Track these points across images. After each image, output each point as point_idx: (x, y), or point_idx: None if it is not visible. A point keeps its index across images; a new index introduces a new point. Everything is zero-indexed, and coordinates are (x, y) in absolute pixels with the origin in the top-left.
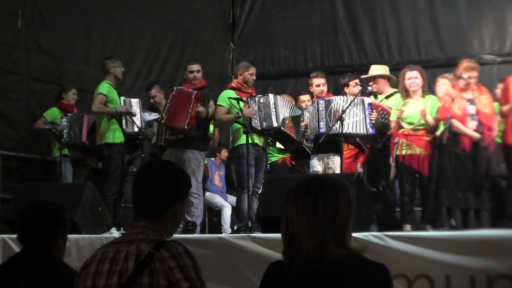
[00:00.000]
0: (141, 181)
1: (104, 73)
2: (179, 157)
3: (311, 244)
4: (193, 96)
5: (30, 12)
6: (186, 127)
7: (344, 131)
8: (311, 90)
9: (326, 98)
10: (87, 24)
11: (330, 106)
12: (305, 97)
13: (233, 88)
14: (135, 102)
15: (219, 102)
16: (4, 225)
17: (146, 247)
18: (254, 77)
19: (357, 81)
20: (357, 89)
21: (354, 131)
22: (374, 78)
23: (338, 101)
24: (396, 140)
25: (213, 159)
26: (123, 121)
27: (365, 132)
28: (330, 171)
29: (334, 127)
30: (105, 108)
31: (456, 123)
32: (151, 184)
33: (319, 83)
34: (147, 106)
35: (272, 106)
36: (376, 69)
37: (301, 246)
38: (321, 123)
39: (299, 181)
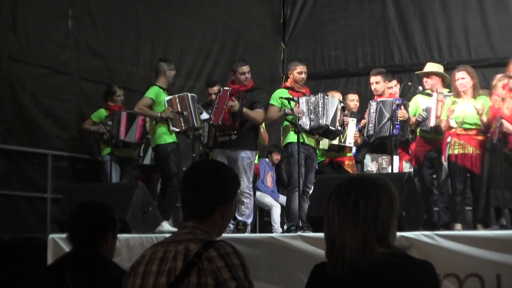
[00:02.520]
0: (189, 181)
1: (156, 74)
2: (230, 156)
3: (354, 245)
4: (228, 93)
5: (80, 13)
6: (220, 122)
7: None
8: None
9: (378, 100)
10: (137, 25)
11: (379, 109)
12: (353, 96)
13: (286, 88)
14: (182, 97)
15: (271, 101)
16: (54, 225)
17: (194, 247)
18: (303, 76)
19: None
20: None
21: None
22: (429, 75)
23: (387, 103)
24: (448, 140)
25: (267, 159)
26: (170, 123)
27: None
28: (384, 171)
29: (383, 129)
30: (147, 110)
31: (505, 123)
32: (199, 185)
33: (372, 81)
34: (202, 103)
35: (320, 105)
36: (432, 67)
37: (344, 248)
38: (370, 125)
39: (340, 182)
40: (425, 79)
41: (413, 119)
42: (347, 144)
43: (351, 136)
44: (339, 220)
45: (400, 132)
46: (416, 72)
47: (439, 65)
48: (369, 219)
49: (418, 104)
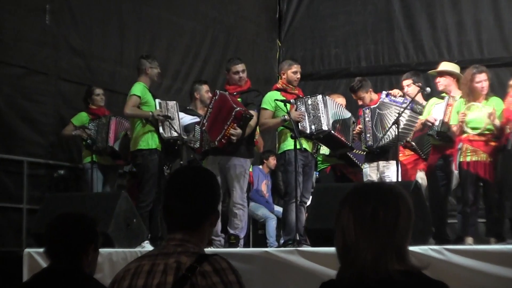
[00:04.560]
0: (175, 190)
1: (139, 73)
2: (222, 164)
3: (370, 257)
4: (233, 113)
5: (59, 7)
6: (216, 143)
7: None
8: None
9: (372, 107)
10: (121, 21)
11: (376, 116)
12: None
13: (278, 89)
14: (171, 104)
15: (263, 105)
16: (30, 238)
17: (186, 260)
18: (298, 76)
19: (409, 81)
20: (412, 89)
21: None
22: (442, 75)
23: (385, 110)
24: (459, 146)
25: (260, 167)
26: (160, 126)
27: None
28: (387, 180)
29: (385, 136)
30: (139, 111)
31: None
32: (188, 193)
33: (357, 98)
34: (182, 108)
35: (321, 108)
36: (446, 66)
37: (358, 259)
38: (368, 134)
39: (355, 188)
40: (437, 79)
41: (419, 123)
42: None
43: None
44: (355, 230)
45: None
46: (429, 72)
47: (455, 65)
48: (388, 229)
49: (431, 108)
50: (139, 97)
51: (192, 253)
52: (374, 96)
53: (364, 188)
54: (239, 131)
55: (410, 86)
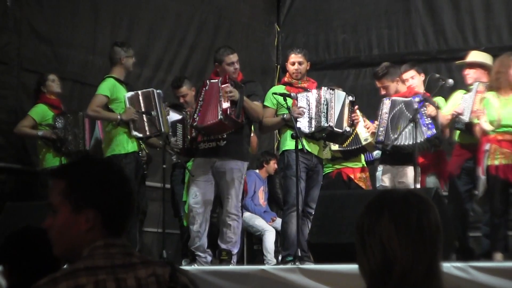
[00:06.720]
0: (113, 183)
1: (112, 63)
2: (217, 167)
3: (421, 274)
4: (219, 83)
5: None
6: (221, 116)
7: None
8: None
9: (393, 98)
10: (94, 1)
11: (395, 110)
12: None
13: (285, 83)
14: (146, 94)
15: (265, 102)
16: None
17: (163, 272)
18: (296, 67)
19: (412, 72)
20: (417, 81)
21: (406, 143)
22: (473, 66)
23: (408, 112)
24: (486, 147)
25: (257, 171)
26: (131, 126)
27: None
28: (401, 187)
29: (400, 137)
30: (104, 113)
31: None
32: (126, 187)
33: (381, 86)
34: (167, 102)
35: (323, 102)
36: (478, 56)
37: (407, 278)
38: (381, 128)
39: (392, 193)
40: (466, 71)
41: (446, 118)
42: (363, 142)
43: (363, 131)
44: (400, 242)
45: (437, 134)
46: (456, 62)
47: (487, 55)
48: (433, 242)
49: (457, 102)
50: (107, 96)
51: (162, 262)
52: (402, 87)
53: (403, 193)
54: (233, 88)
55: (414, 78)
